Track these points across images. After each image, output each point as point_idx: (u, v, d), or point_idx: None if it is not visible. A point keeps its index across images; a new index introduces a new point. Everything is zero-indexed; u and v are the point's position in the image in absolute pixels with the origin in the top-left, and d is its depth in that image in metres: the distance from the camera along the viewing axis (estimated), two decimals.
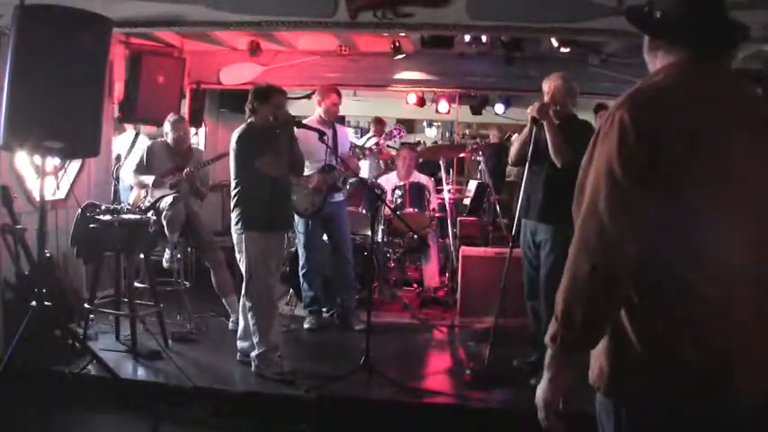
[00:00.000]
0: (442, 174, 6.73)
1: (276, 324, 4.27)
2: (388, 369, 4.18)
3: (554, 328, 1.55)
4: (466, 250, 5.91)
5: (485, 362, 4.25)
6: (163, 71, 6.16)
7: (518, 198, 4.31)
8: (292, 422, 3.73)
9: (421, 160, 7.08)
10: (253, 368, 4.19)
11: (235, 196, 4.18)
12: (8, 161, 4.54)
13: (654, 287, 1.52)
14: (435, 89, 7.62)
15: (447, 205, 6.43)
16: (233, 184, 4.21)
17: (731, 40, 1.67)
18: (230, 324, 5.12)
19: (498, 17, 4.09)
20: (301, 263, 5.31)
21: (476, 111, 9.02)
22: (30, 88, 3.45)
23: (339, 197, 5.32)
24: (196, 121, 6.92)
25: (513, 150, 4.41)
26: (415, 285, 6.52)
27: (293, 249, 5.75)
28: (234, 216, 4.18)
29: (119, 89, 5.94)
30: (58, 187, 5.25)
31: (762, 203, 1.55)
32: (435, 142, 12.09)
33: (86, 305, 4.64)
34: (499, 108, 8.84)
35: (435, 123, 12.98)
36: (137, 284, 4.88)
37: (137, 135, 6.52)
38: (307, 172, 5.05)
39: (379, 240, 5.97)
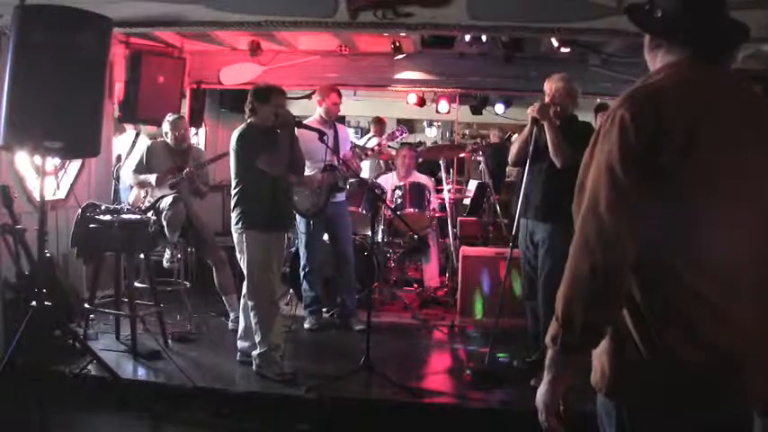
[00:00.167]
0: (443, 174, 6.72)
1: (278, 324, 4.27)
2: (388, 369, 4.18)
3: (554, 329, 1.54)
4: (466, 250, 5.91)
5: (485, 362, 4.25)
6: (163, 71, 6.16)
7: (518, 198, 4.31)
8: (292, 422, 3.73)
9: (421, 160, 7.07)
10: (254, 367, 4.19)
11: (235, 196, 4.18)
12: (8, 161, 4.54)
13: (654, 286, 1.51)
14: (435, 89, 7.61)
15: (447, 205, 6.42)
16: (233, 183, 4.21)
17: (732, 40, 1.66)
18: (230, 324, 5.12)
19: (498, 17, 4.08)
20: (302, 263, 5.31)
21: (476, 111, 9.01)
22: (30, 88, 3.45)
23: (341, 197, 5.32)
24: (196, 121, 6.92)
25: (513, 150, 4.41)
26: (416, 285, 6.52)
27: (293, 249, 5.75)
28: (234, 215, 4.18)
29: (119, 89, 5.94)
30: (58, 187, 5.25)
31: (763, 203, 1.55)
32: (435, 142, 12.08)
33: (86, 305, 4.64)
34: (499, 108, 8.83)
35: (435, 123, 12.96)
36: (137, 284, 4.88)
37: (137, 135, 6.52)
38: (307, 172, 5.05)
39: (379, 240, 5.97)
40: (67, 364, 3.96)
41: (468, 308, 5.72)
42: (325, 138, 4.35)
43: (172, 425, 3.75)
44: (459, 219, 6.86)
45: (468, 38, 5.83)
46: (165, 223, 4.94)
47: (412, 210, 6.00)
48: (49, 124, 3.48)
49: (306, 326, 5.31)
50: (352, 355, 4.34)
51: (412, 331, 5.42)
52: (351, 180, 5.42)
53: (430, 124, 13.00)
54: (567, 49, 5.82)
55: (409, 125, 10.47)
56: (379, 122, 9.03)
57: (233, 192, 4.20)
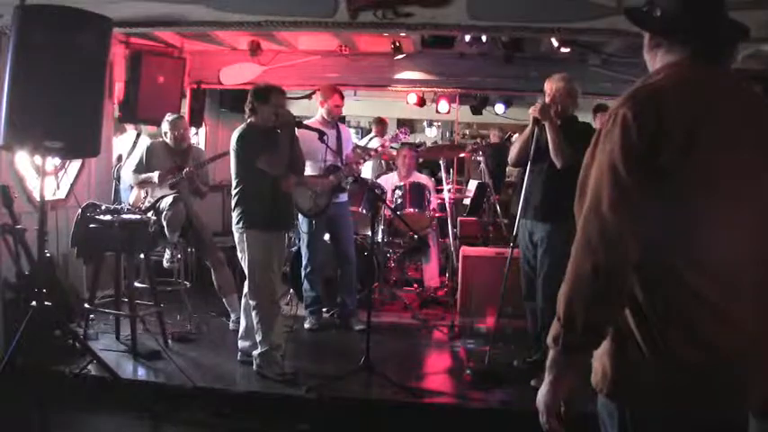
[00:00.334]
0: (443, 174, 6.73)
1: (279, 323, 4.27)
2: (388, 369, 4.18)
3: (556, 330, 1.53)
4: (466, 250, 5.91)
5: (485, 362, 4.25)
6: (163, 71, 6.16)
7: (518, 198, 4.32)
8: (293, 422, 3.73)
9: (421, 160, 7.07)
10: (254, 367, 4.19)
11: (235, 195, 4.18)
12: (8, 161, 4.54)
13: (655, 286, 1.51)
14: (435, 89, 7.61)
15: (447, 205, 6.43)
16: (234, 183, 4.21)
17: (731, 40, 1.67)
18: (231, 324, 5.12)
19: (498, 17, 4.08)
20: (304, 263, 5.31)
21: (476, 111, 9.01)
22: (30, 88, 3.45)
23: (343, 197, 5.33)
24: (196, 120, 6.92)
25: (513, 151, 4.41)
26: (416, 285, 6.52)
27: (294, 249, 5.76)
28: (235, 215, 4.18)
29: (119, 89, 5.95)
30: (58, 187, 5.25)
31: (762, 203, 1.55)
32: (435, 142, 12.08)
33: (86, 305, 4.64)
34: (499, 108, 8.83)
35: (435, 123, 12.96)
36: (137, 284, 4.88)
37: (138, 135, 6.52)
38: (308, 172, 5.06)
39: (379, 240, 5.97)
40: (67, 364, 3.96)
41: (468, 309, 5.72)
42: (326, 138, 4.35)
43: (172, 425, 3.75)
44: (459, 219, 6.86)
45: (468, 38, 5.83)
46: (165, 223, 4.93)
47: (412, 210, 6.00)
48: (49, 124, 3.48)
49: (306, 326, 5.31)
50: (352, 355, 4.34)
51: (412, 331, 5.42)
52: (351, 180, 5.43)
53: (430, 124, 13.00)
54: (567, 49, 5.82)
55: (409, 125, 10.48)
56: (381, 123, 9.05)
57: (233, 192, 4.21)
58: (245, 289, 4.24)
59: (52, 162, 4.93)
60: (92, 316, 4.76)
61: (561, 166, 4.01)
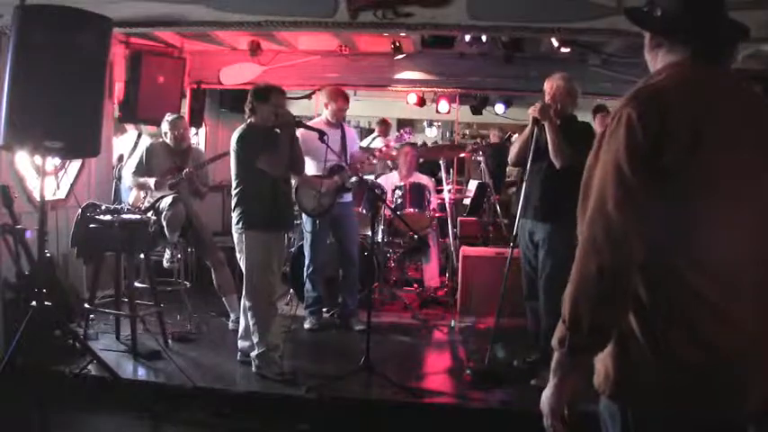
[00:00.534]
0: (443, 174, 6.72)
1: (276, 324, 4.27)
2: (388, 369, 4.18)
3: (561, 332, 1.52)
4: (466, 250, 5.91)
5: (485, 362, 4.25)
6: (163, 71, 6.16)
7: (517, 198, 4.32)
8: (292, 422, 3.73)
9: (421, 160, 7.07)
10: (253, 368, 4.19)
11: (235, 196, 4.18)
12: (8, 161, 4.54)
13: (657, 287, 1.51)
14: (435, 89, 7.61)
15: (447, 205, 6.43)
16: (233, 183, 4.21)
17: (732, 40, 1.67)
18: (230, 324, 5.12)
19: (498, 17, 4.08)
20: (306, 262, 5.31)
21: (476, 111, 9.01)
22: (30, 88, 3.45)
23: (347, 197, 5.33)
24: (196, 121, 6.92)
25: (513, 151, 4.41)
26: (416, 285, 6.52)
27: (293, 249, 5.76)
28: (234, 216, 4.18)
29: (119, 89, 5.95)
30: (58, 187, 5.25)
31: (763, 203, 1.54)
32: (435, 142, 12.08)
33: (86, 305, 4.64)
34: (499, 108, 8.83)
35: (435, 123, 12.96)
36: (137, 284, 4.88)
37: (139, 135, 6.53)
38: (312, 172, 5.07)
39: (379, 240, 5.98)
40: (67, 364, 3.96)
41: (468, 309, 5.72)
42: (326, 138, 4.36)
43: (172, 425, 3.75)
44: (459, 219, 6.86)
45: (468, 38, 5.83)
46: (164, 223, 4.93)
47: (412, 210, 6.00)
48: (49, 124, 3.48)
49: (306, 326, 5.30)
50: (352, 355, 4.34)
51: (412, 331, 5.42)
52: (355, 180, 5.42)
53: (430, 124, 12.99)
54: (567, 49, 5.82)
55: (409, 125, 10.48)
56: (384, 123, 9.11)
57: (233, 192, 4.20)
58: (244, 289, 4.24)
59: (52, 162, 4.93)
60: (92, 316, 4.75)
61: (560, 165, 4.01)
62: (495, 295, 4.34)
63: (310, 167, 5.17)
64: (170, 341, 4.71)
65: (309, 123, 5.29)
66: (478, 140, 8.84)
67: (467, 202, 7.35)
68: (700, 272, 1.49)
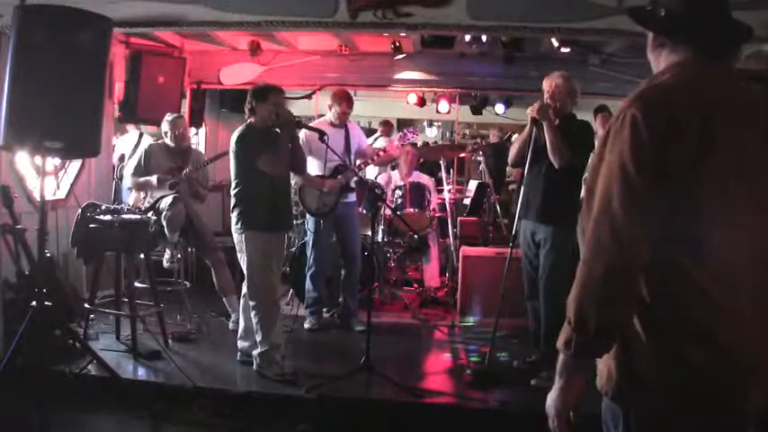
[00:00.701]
0: (443, 174, 6.73)
1: (279, 323, 4.27)
2: (388, 369, 4.18)
3: (567, 334, 1.51)
4: (466, 250, 5.91)
5: (485, 362, 4.25)
6: (163, 71, 6.16)
7: (517, 198, 4.31)
8: (293, 422, 3.73)
9: (422, 160, 7.07)
10: (254, 366, 4.19)
11: (235, 196, 4.18)
12: (8, 161, 4.54)
13: (662, 287, 1.50)
14: (435, 89, 7.61)
15: (447, 205, 6.43)
16: (233, 183, 4.21)
17: (736, 39, 1.66)
18: (230, 324, 5.12)
19: (498, 17, 4.08)
20: (309, 263, 5.30)
21: (476, 111, 9.01)
22: (30, 88, 3.45)
23: (351, 197, 5.32)
24: (196, 121, 6.92)
25: (512, 151, 4.41)
26: (416, 285, 6.52)
27: (293, 250, 5.75)
28: (234, 216, 4.18)
29: (119, 89, 5.95)
30: (58, 187, 5.25)
31: None
32: (435, 142, 12.09)
33: (86, 305, 4.64)
34: (499, 108, 8.83)
35: (435, 123, 12.96)
36: (137, 284, 4.88)
37: (141, 135, 6.52)
38: (316, 171, 5.07)
39: (379, 240, 5.97)
40: (67, 364, 3.95)
41: (468, 309, 5.72)
42: (326, 138, 4.36)
43: (172, 425, 3.75)
44: (459, 219, 6.86)
45: (468, 38, 5.83)
46: (165, 223, 4.93)
47: (412, 210, 6.00)
48: (49, 124, 3.48)
49: (306, 326, 5.30)
50: (352, 355, 4.34)
51: (412, 331, 5.43)
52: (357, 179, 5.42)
53: (430, 124, 12.99)
54: (567, 49, 5.82)
55: (409, 125, 10.47)
56: (387, 124, 9.15)
57: (233, 192, 4.20)
58: (244, 289, 4.24)
59: (52, 162, 4.93)
60: (92, 316, 4.75)
61: (559, 166, 4.01)
62: (495, 295, 4.34)
63: (314, 168, 5.18)
64: (170, 341, 4.71)
65: (312, 123, 5.30)
66: (478, 140, 8.85)
67: (467, 202, 7.35)
68: (705, 271, 1.48)
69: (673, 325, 1.50)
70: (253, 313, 4.16)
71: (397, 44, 6.22)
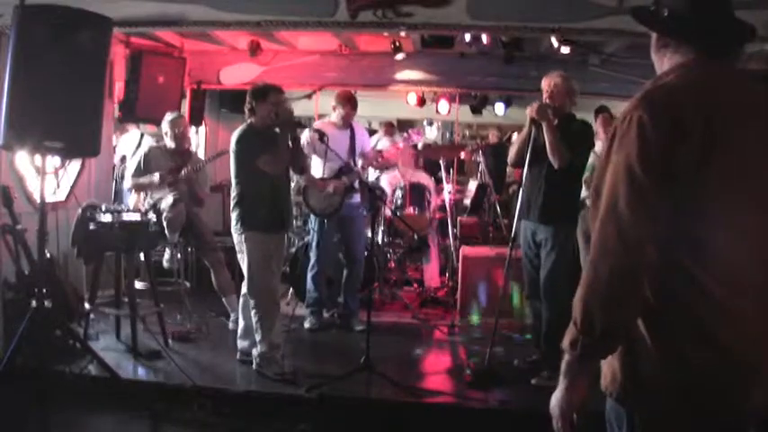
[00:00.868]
0: (443, 174, 6.73)
1: (278, 323, 4.27)
2: (388, 369, 4.17)
3: (572, 334, 1.51)
4: (466, 250, 5.91)
5: (485, 362, 4.25)
6: (163, 71, 6.17)
7: (517, 198, 4.31)
8: (292, 422, 3.72)
9: (421, 161, 7.08)
10: (254, 366, 4.19)
11: (235, 197, 4.18)
12: (8, 161, 4.54)
13: (664, 287, 1.50)
14: (435, 89, 7.61)
15: (447, 205, 6.43)
16: (233, 184, 4.21)
17: (739, 39, 1.66)
18: (230, 324, 5.12)
19: (498, 17, 4.09)
20: (311, 263, 5.30)
21: (476, 111, 9.01)
22: (30, 88, 3.45)
23: (356, 198, 5.32)
24: (196, 120, 6.92)
25: (511, 151, 4.41)
26: (416, 285, 6.52)
27: (294, 249, 5.75)
28: (234, 216, 4.18)
29: (119, 89, 5.95)
30: (58, 187, 5.25)
31: None
32: (435, 142, 12.09)
33: (86, 305, 4.64)
34: (499, 108, 8.82)
35: (436, 123, 12.97)
36: (137, 284, 4.88)
37: (142, 136, 6.52)
38: (320, 172, 5.07)
39: (380, 240, 5.97)
40: (67, 364, 3.95)
41: (468, 309, 5.72)
42: (325, 138, 4.37)
43: (172, 424, 3.75)
44: (459, 219, 6.86)
45: (468, 38, 5.84)
46: (165, 224, 4.93)
47: (412, 210, 6.00)
48: (48, 124, 3.48)
49: (306, 326, 5.30)
50: (352, 355, 4.34)
51: (412, 331, 5.42)
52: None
53: (430, 124, 13.00)
54: (567, 49, 5.82)
55: (409, 125, 10.47)
56: (390, 125, 9.17)
57: (233, 193, 4.20)
58: (244, 288, 4.24)
59: (52, 162, 4.93)
60: (92, 316, 4.75)
61: (558, 166, 4.01)
62: (495, 295, 4.34)
63: (318, 168, 5.18)
64: (170, 341, 4.70)
65: (317, 124, 5.30)
66: (478, 140, 8.86)
67: (467, 202, 7.36)
68: (707, 271, 1.48)
69: (675, 325, 1.50)
70: (252, 313, 4.16)
71: (397, 44, 6.22)
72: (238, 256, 4.23)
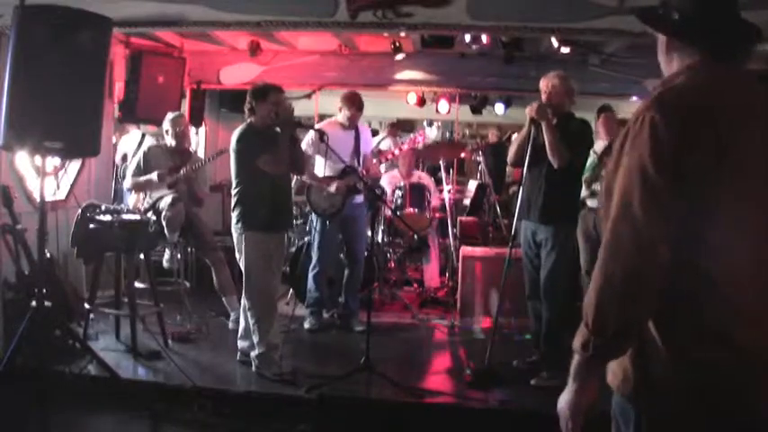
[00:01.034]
0: (443, 174, 6.73)
1: (276, 324, 4.27)
2: (388, 369, 4.17)
3: (584, 336, 1.50)
4: (466, 250, 5.91)
5: (485, 362, 4.25)
6: (163, 71, 6.16)
7: (517, 198, 4.31)
8: (292, 422, 3.73)
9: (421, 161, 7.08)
10: (253, 368, 4.19)
11: (235, 196, 4.18)
12: (8, 161, 4.54)
13: (678, 288, 1.49)
14: (435, 89, 7.61)
15: (447, 205, 6.43)
16: (233, 184, 4.21)
17: (748, 40, 1.66)
18: (230, 324, 5.12)
19: (498, 17, 4.09)
20: (313, 263, 5.29)
21: (476, 111, 9.01)
22: (30, 88, 3.45)
23: (359, 199, 5.32)
24: (196, 120, 6.92)
25: (511, 150, 4.41)
26: (416, 285, 6.53)
27: (294, 249, 5.75)
28: (234, 216, 4.18)
29: (119, 89, 5.95)
30: (58, 187, 5.25)
31: None
32: (436, 142, 12.10)
33: (86, 305, 4.64)
34: (499, 108, 8.82)
35: (435, 123, 12.97)
36: (137, 284, 4.88)
37: (143, 136, 6.52)
38: (323, 171, 5.06)
39: (380, 240, 5.97)
40: (67, 364, 3.95)
41: (468, 308, 5.73)
42: (325, 138, 4.37)
43: (171, 424, 3.75)
44: (459, 219, 6.86)
45: (468, 38, 5.84)
46: (164, 223, 4.93)
47: (412, 210, 6.00)
48: (48, 124, 3.48)
49: (306, 326, 5.30)
50: (352, 356, 4.34)
51: (412, 331, 5.42)
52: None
53: (430, 124, 13.01)
54: (567, 49, 5.82)
55: (409, 125, 10.49)
56: (394, 126, 9.22)
57: (233, 192, 4.20)
58: (243, 289, 4.23)
59: (52, 162, 4.93)
60: (92, 316, 4.75)
61: (558, 165, 4.01)
62: (494, 295, 4.34)
63: (322, 168, 5.18)
64: (170, 341, 4.70)
65: (322, 123, 5.29)
66: (477, 140, 8.85)
67: (467, 202, 7.35)
68: (720, 272, 1.48)
69: (688, 326, 1.49)
70: (249, 314, 4.16)
71: (397, 44, 6.22)
72: (237, 255, 4.24)
